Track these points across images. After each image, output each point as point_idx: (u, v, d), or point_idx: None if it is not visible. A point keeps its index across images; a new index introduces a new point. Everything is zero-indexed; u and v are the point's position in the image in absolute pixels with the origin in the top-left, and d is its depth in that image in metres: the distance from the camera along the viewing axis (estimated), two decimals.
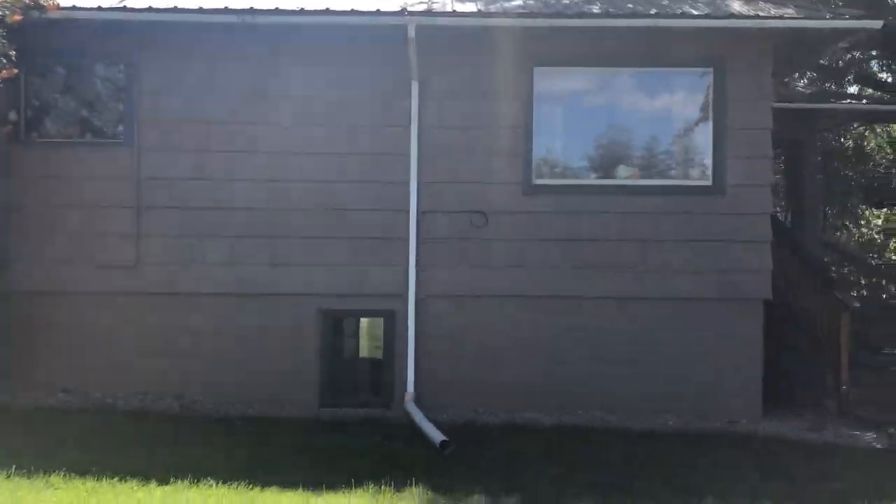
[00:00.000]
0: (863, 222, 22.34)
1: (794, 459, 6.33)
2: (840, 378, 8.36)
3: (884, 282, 11.49)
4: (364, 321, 8.42)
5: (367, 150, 8.21)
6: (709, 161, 8.26)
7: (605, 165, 8.53)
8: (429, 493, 5.11)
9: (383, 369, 8.23)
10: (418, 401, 7.99)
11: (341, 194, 8.18)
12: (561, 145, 8.52)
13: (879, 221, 22.34)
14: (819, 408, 8.60)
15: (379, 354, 8.28)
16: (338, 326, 8.34)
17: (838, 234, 23.14)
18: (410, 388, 8.03)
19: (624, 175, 8.48)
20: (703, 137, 8.29)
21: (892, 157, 19.52)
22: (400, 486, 5.23)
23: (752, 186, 8.21)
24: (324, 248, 8.16)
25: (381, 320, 8.28)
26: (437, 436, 6.66)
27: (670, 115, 8.45)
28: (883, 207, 19.67)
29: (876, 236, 22.14)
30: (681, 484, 5.55)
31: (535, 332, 8.19)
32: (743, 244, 8.21)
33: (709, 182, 8.27)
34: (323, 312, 8.21)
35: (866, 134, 20.73)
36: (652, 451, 6.48)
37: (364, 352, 8.44)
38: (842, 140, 20.23)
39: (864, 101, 11.72)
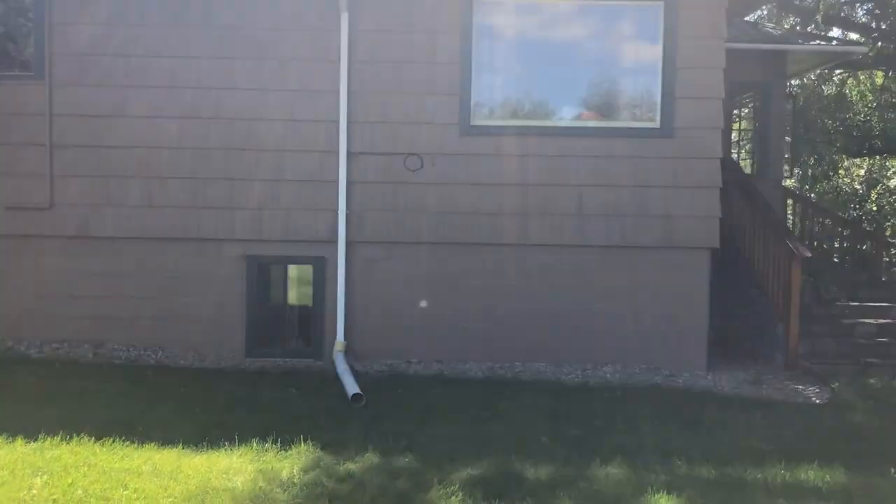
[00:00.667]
0: (842, 172, 21.97)
1: (718, 414, 6.04)
2: (789, 330, 8.05)
3: (850, 234, 11.09)
4: (293, 268, 8.03)
5: (293, 86, 7.71)
6: (658, 102, 7.78)
7: (550, 105, 8.05)
8: (317, 451, 4.80)
9: (313, 318, 7.89)
10: (350, 351, 7.69)
11: (266, 133, 7.72)
12: (502, 83, 8.02)
13: (862, 172, 22.00)
14: (769, 360, 8.33)
15: (310, 303, 7.91)
16: (265, 273, 7.96)
17: (818, 185, 22.84)
18: (340, 337, 7.71)
19: (568, 116, 8.02)
20: (653, 77, 7.80)
21: (873, 104, 19.01)
22: (292, 442, 4.91)
23: (702, 129, 7.76)
24: (248, 191, 7.73)
25: (310, 267, 7.89)
26: (351, 388, 6.34)
27: (619, 52, 7.95)
28: (862, 156, 19.27)
29: (858, 187, 21.81)
30: (577, 440, 5.26)
31: (472, 281, 7.84)
32: (690, 190, 7.81)
33: (656, 124, 7.82)
34: (249, 258, 7.81)
35: (848, 81, 20.21)
36: (573, 405, 6.18)
37: (294, 300, 8.07)
38: (823, 88, 19.74)
39: (835, 42, 11.12)
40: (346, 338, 7.72)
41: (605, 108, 8.03)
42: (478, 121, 7.80)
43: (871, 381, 7.46)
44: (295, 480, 4.30)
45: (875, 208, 20.09)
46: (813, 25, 14.64)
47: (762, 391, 7.11)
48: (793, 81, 19.99)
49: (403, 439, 5.14)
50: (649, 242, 7.84)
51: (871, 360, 7.90)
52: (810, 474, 4.72)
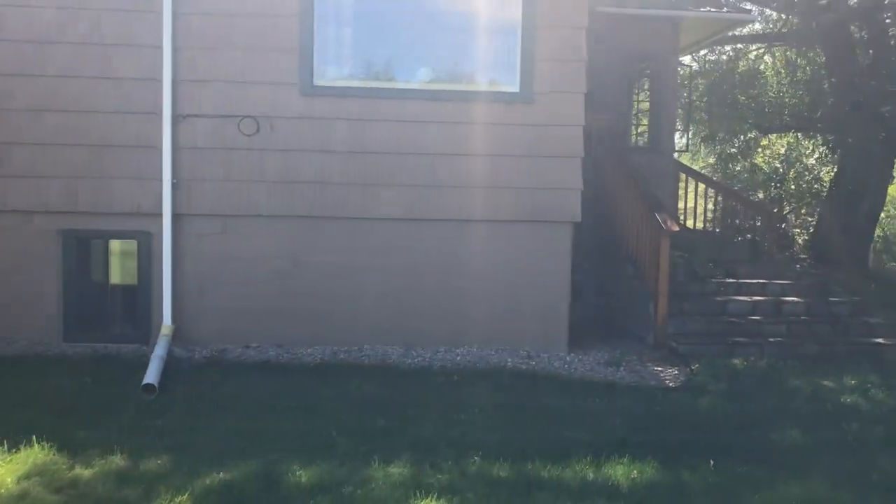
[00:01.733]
0: (759, 150, 21.90)
1: (553, 400, 5.55)
2: (658, 307, 7.62)
3: (742, 209, 10.77)
4: (117, 244, 7.24)
5: (111, 39, 6.89)
6: (517, 64, 7.19)
7: (402, 66, 7.37)
8: (52, 453, 4.10)
9: (138, 300, 7.13)
10: (181, 335, 6.99)
11: (81, 92, 6.89)
12: (350, 40, 7.32)
13: (782, 151, 21.95)
14: (641, 340, 7.90)
15: (135, 283, 7.15)
16: (85, 250, 7.15)
17: (737, 163, 22.76)
18: (167, 320, 6.98)
19: (423, 78, 7.37)
20: (512, 38, 7.19)
21: (787, 80, 18.83)
22: (31, 441, 4.20)
23: (564, 94, 7.21)
24: (62, 157, 6.91)
25: (135, 243, 7.12)
26: (148, 378, 5.64)
27: (477, 10, 7.29)
28: (774, 133, 19.15)
29: (779, 165, 21.78)
30: (378, 432, 4.72)
31: (317, 258, 7.18)
32: (551, 160, 7.27)
33: (516, 88, 7.23)
34: (65, 233, 7.01)
35: (765, 58, 20.02)
36: (397, 393, 5.61)
37: (118, 280, 7.28)
38: (739, 64, 19.51)
39: (725, 9, 10.69)
40: (175, 321, 7.00)
41: (463, 70, 7.42)
42: (322, 81, 7.10)
43: (735, 361, 7.08)
44: (1, 491, 3.60)
45: (793, 187, 20.07)
46: None
47: (617, 374, 6.65)
48: (710, 57, 19.82)
49: (174, 436, 4.49)
50: (509, 216, 7.28)
51: (738, 340, 7.52)
52: (618, 470, 4.22)
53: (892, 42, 12.02)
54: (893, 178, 17.07)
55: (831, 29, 10.98)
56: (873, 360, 7.22)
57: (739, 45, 17.40)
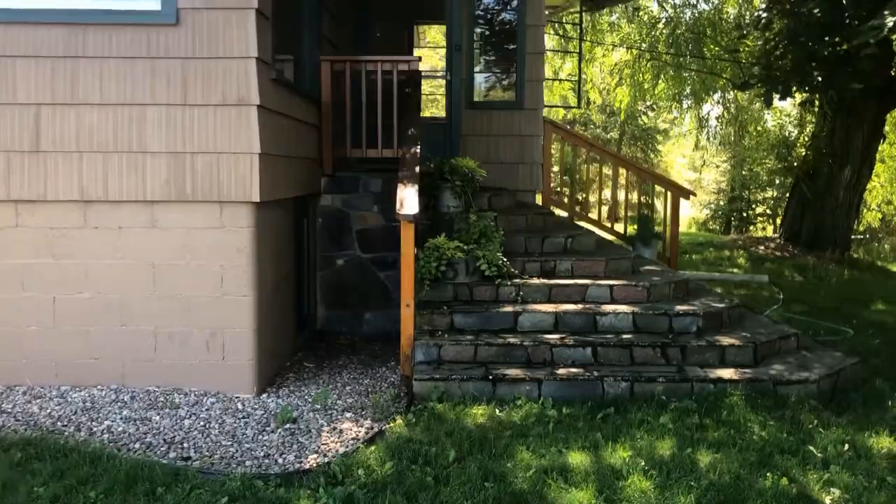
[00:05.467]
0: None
1: None
2: (402, 326, 5.24)
3: None
4: None
5: None
6: None
7: None
8: None
9: None
10: None
11: None
12: None
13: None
14: (394, 368, 5.52)
15: None
16: None
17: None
18: None
19: None
20: None
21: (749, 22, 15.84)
22: None
23: (226, 11, 4.84)
24: None
25: None
26: None
27: None
28: (748, 90, 16.20)
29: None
30: None
31: None
32: (211, 109, 4.91)
33: (157, 5, 4.86)
34: None
35: None
36: None
37: None
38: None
39: None
40: None
41: None
42: None
43: (478, 411, 4.67)
44: None
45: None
46: None
47: (268, 440, 4.29)
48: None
49: None
50: (159, 194, 4.96)
51: (509, 373, 5.07)
52: None
53: None
54: (884, 138, 14.10)
55: None
56: (704, 407, 4.72)
57: None
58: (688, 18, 16.16)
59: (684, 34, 15.72)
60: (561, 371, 5.12)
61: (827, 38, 8.64)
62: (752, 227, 23.49)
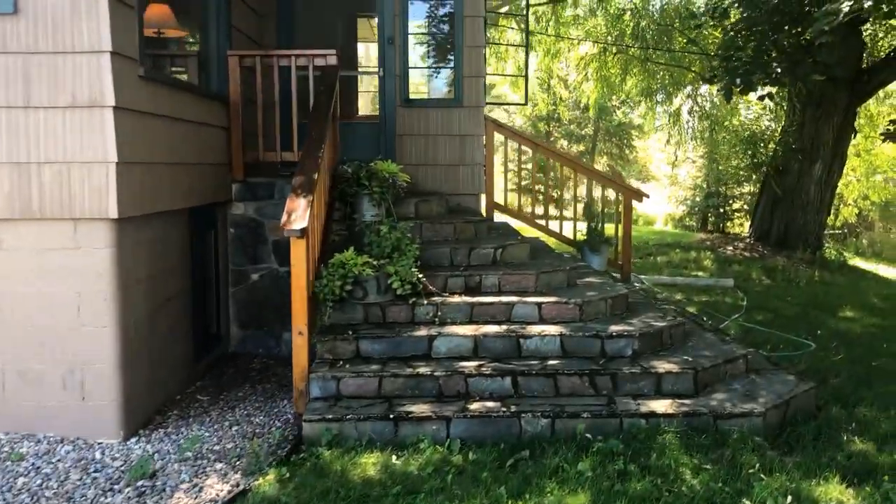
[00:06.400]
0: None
1: None
2: (295, 356, 4.60)
3: None
4: None
5: None
6: None
7: None
8: None
9: None
10: None
11: None
12: None
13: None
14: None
15: None
16: None
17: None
18: None
19: None
20: None
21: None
22: None
23: None
24: None
25: None
26: None
27: None
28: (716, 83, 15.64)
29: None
30: None
31: None
32: (58, 112, 4.22)
33: None
34: None
35: None
36: None
37: None
38: None
39: None
40: None
41: None
42: None
43: (368, 461, 4.01)
44: None
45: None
46: None
47: None
48: None
49: None
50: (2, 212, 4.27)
51: (414, 411, 4.43)
52: None
53: None
54: (856, 133, 13.56)
55: None
56: (632, 448, 4.09)
57: None
58: (653, 9, 15.55)
59: (650, 26, 15.11)
60: (475, 406, 4.48)
61: (787, 27, 8.05)
62: (728, 224, 22.98)
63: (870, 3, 5.82)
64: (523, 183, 10.73)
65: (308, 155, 5.11)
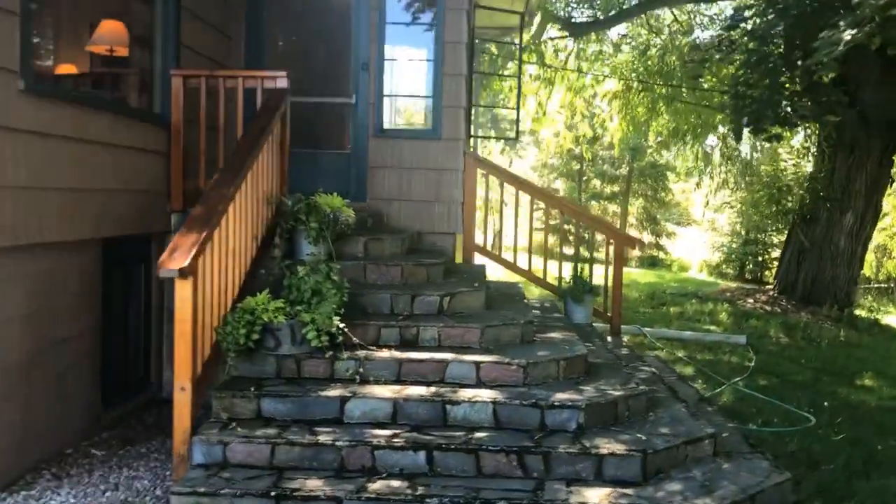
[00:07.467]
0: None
1: None
2: (177, 414, 3.99)
3: None
4: None
5: None
6: None
7: None
8: None
9: None
10: None
11: None
12: None
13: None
14: None
15: None
16: None
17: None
18: None
19: None
20: None
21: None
22: None
23: None
24: None
25: None
26: None
27: None
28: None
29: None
30: None
31: None
32: None
33: None
34: None
35: None
36: None
37: None
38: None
39: None
40: None
41: None
42: None
43: None
44: None
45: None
46: None
47: None
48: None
49: None
50: None
51: (304, 492, 3.76)
52: None
53: None
54: (892, 181, 12.57)
55: None
56: None
57: None
58: (680, 44, 14.87)
59: (675, 62, 14.42)
60: (376, 486, 3.79)
61: (799, 62, 7.30)
62: (767, 272, 21.81)
63: (867, 30, 5.09)
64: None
65: (219, 184, 4.56)
